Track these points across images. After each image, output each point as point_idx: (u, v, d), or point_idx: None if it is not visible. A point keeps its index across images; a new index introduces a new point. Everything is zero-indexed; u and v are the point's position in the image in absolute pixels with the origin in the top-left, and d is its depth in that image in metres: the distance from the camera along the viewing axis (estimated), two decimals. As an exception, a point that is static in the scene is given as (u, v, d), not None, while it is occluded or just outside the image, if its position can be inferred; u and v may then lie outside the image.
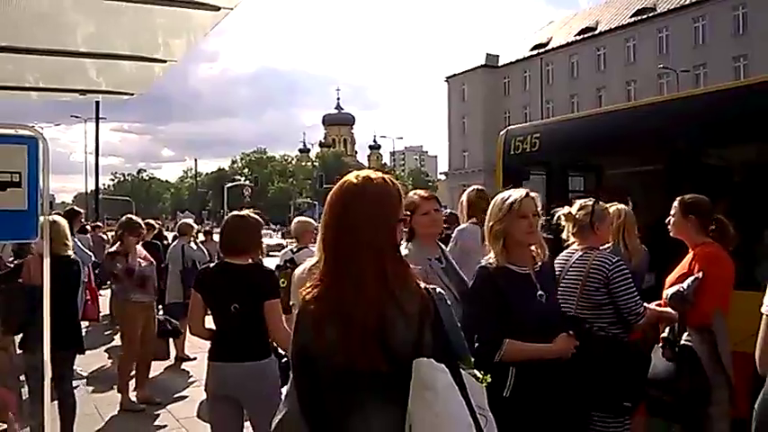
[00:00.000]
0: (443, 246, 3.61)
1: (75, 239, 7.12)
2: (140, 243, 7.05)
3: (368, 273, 1.75)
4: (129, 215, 7.53)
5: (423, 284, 1.83)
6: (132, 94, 4.92)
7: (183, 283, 8.38)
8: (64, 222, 5.13)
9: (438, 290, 1.87)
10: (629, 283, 3.50)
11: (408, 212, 3.09)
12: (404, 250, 3.18)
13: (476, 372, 1.83)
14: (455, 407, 1.66)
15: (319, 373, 1.76)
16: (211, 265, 3.85)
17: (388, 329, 1.72)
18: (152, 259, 6.96)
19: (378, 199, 1.83)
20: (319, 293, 1.80)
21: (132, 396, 6.61)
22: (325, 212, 1.87)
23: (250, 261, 3.72)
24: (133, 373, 6.76)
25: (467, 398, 1.70)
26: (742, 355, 3.71)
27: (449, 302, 1.88)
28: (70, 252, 5.06)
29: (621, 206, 4.40)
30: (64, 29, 3.62)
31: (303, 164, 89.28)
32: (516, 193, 2.94)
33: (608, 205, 4.17)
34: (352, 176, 1.88)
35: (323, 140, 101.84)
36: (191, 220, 10.62)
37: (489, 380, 1.85)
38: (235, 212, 3.94)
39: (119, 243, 6.84)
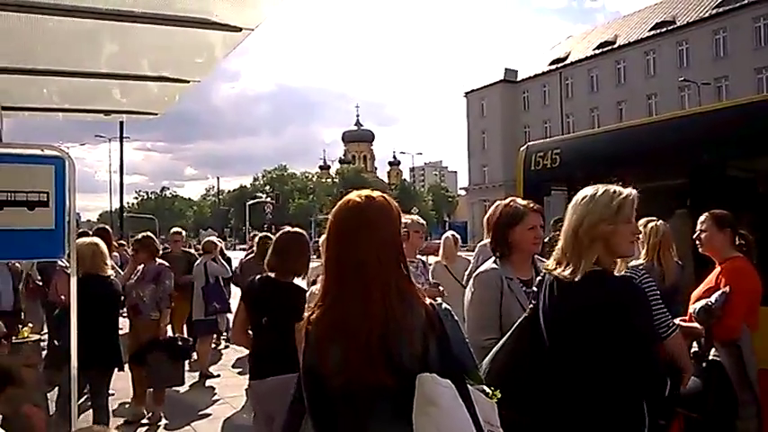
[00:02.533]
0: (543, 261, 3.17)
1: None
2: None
3: (373, 289, 1.76)
4: (143, 234, 7.40)
5: (428, 300, 1.84)
6: (156, 114, 5.00)
7: (206, 299, 8.43)
8: (101, 242, 5.21)
9: (444, 305, 1.86)
10: (655, 298, 3.44)
11: (509, 224, 3.07)
12: (484, 266, 3.16)
13: (485, 387, 1.82)
14: (460, 423, 1.65)
15: (328, 391, 1.77)
16: (257, 277, 3.91)
17: (393, 345, 1.72)
18: (145, 277, 6.70)
19: (382, 216, 1.86)
20: (324, 311, 1.82)
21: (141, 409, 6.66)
22: (329, 231, 1.88)
23: (294, 278, 3.84)
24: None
25: (473, 414, 1.69)
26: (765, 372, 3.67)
27: (455, 317, 1.88)
28: (110, 272, 5.13)
29: (660, 222, 4.31)
30: (88, 51, 3.70)
31: (323, 180, 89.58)
32: (620, 190, 2.39)
33: (644, 221, 4.12)
34: (353, 196, 1.91)
35: (343, 157, 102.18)
36: (214, 238, 10.70)
37: (499, 395, 1.84)
38: (287, 228, 4.10)
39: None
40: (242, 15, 3.05)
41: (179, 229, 9.88)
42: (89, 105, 4.92)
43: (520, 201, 3.22)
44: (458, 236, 7.25)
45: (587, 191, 2.40)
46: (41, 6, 2.87)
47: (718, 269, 3.83)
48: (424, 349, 1.74)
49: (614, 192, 2.35)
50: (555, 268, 2.32)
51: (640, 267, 3.89)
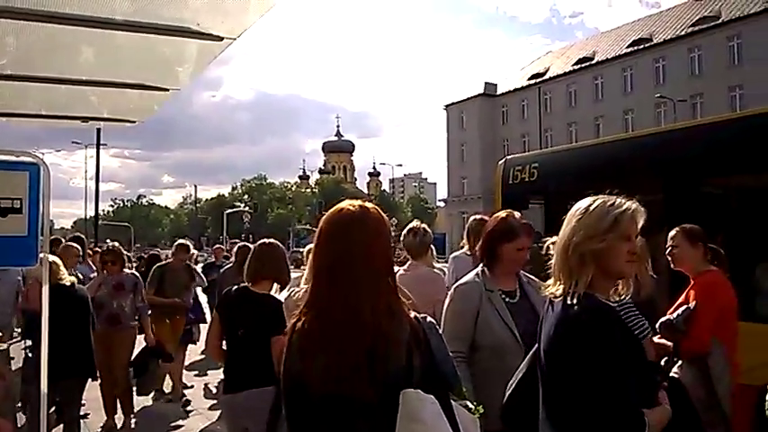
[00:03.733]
0: (529, 278, 3.22)
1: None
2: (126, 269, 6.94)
3: (363, 300, 1.73)
4: (109, 243, 7.60)
5: (413, 313, 1.82)
6: (134, 122, 4.96)
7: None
8: (53, 257, 5.15)
9: (429, 319, 1.85)
10: (629, 307, 3.46)
11: (501, 239, 3.08)
12: (466, 277, 3.19)
13: (467, 402, 1.81)
14: None
15: (309, 402, 1.74)
16: (233, 288, 3.89)
17: (377, 358, 1.70)
18: (123, 286, 6.64)
19: (376, 226, 1.84)
20: (310, 320, 1.78)
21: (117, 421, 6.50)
22: (318, 239, 1.85)
23: (273, 290, 3.84)
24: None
25: (456, 429, 1.68)
26: (746, 388, 3.65)
27: (440, 332, 1.87)
28: (72, 280, 5.08)
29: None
30: (67, 57, 3.66)
31: (303, 190, 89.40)
32: (620, 202, 2.13)
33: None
34: (346, 204, 1.87)
35: (322, 167, 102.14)
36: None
37: (482, 410, 1.83)
38: (263, 240, 4.14)
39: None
40: (224, 25, 3.04)
41: (186, 242, 8.64)
42: (67, 112, 4.85)
43: (517, 216, 3.20)
44: (432, 247, 7.24)
45: (583, 202, 2.14)
46: (20, 12, 2.84)
47: (692, 283, 3.86)
48: (408, 363, 1.72)
49: (611, 204, 2.08)
50: (549, 287, 2.13)
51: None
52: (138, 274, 6.97)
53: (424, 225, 4.75)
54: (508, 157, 8.18)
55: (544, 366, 2.07)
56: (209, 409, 7.30)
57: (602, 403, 1.85)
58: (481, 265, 3.20)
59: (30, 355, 4.90)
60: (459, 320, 3.06)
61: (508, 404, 2.39)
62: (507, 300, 3.06)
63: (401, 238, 4.65)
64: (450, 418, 1.68)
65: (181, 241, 8.71)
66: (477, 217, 5.42)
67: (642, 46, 44.71)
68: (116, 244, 7.18)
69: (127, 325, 6.55)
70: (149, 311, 6.99)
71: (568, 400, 1.94)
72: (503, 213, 3.25)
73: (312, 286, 1.84)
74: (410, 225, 4.66)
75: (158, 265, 8.28)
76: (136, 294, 6.63)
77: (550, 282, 2.13)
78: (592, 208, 2.09)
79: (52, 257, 5.18)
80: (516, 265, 3.15)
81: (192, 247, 8.94)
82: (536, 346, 2.22)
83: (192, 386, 8.28)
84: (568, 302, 1.97)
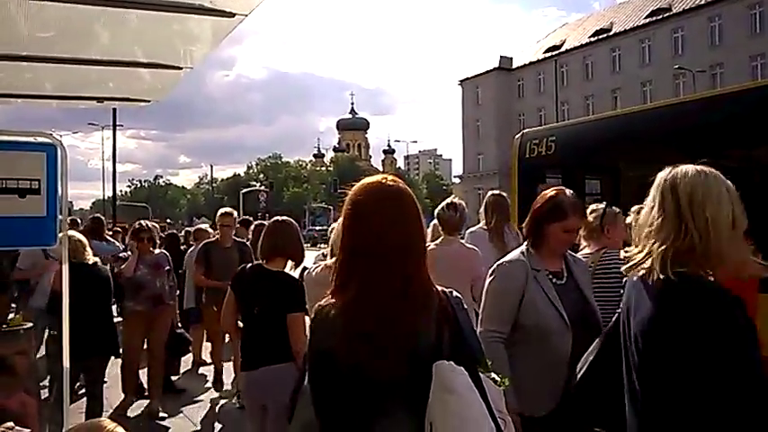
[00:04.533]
0: (575, 257, 3.20)
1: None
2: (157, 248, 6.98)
3: (393, 275, 1.73)
4: (140, 221, 7.22)
5: (440, 288, 1.82)
6: (149, 101, 4.96)
7: (197, 288, 8.42)
8: (78, 234, 5.23)
9: (455, 293, 1.85)
10: (617, 281, 3.43)
11: (549, 219, 2.92)
12: (509, 255, 3.07)
13: (494, 375, 1.82)
14: (476, 409, 1.65)
15: (338, 378, 1.73)
16: (248, 266, 3.92)
17: (408, 333, 1.71)
18: (161, 265, 6.64)
19: (409, 200, 1.83)
20: (341, 296, 1.77)
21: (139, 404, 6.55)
22: (348, 214, 1.82)
23: (288, 267, 3.86)
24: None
25: (486, 400, 1.69)
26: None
27: (465, 306, 1.87)
28: (95, 259, 5.14)
29: None
30: (81, 37, 3.66)
31: (317, 169, 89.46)
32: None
33: (636, 208, 4.12)
34: (378, 179, 1.86)
35: (337, 145, 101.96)
36: (206, 226, 10.64)
37: (507, 383, 1.84)
38: (276, 217, 4.14)
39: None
40: (235, 1, 3.01)
41: (230, 210, 7.33)
42: (82, 93, 4.87)
43: (568, 194, 2.99)
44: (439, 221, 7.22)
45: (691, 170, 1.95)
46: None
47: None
48: (438, 338, 1.73)
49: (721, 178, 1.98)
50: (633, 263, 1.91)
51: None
52: (168, 254, 7.00)
53: (461, 201, 4.78)
54: (525, 131, 8.11)
55: (641, 349, 1.85)
56: (227, 385, 7.38)
57: (740, 385, 1.69)
58: (525, 243, 3.05)
59: (53, 332, 4.99)
60: (502, 299, 2.93)
61: (581, 389, 2.30)
62: (554, 281, 2.92)
63: (435, 213, 4.71)
64: (480, 390, 1.69)
65: (227, 210, 7.32)
66: (495, 192, 5.43)
67: (660, 16, 43.88)
68: (148, 223, 7.11)
69: (168, 304, 6.70)
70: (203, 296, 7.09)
71: (684, 385, 1.75)
72: (552, 191, 3.03)
73: (342, 261, 1.82)
74: (448, 200, 4.69)
75: (205, 242, 7.37)
76: (169, 274, 6.75)
77: (633, 253, 1.93)
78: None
79: (78, 235, 5.24)
80: (563, 247, 3.02)
81: (209, 225, 8.55)
82: (610, 326, 2.15)
83: (210, 363, 8.40)
84: (672, 281, 1.77)
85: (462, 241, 4.81)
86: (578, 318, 2.81)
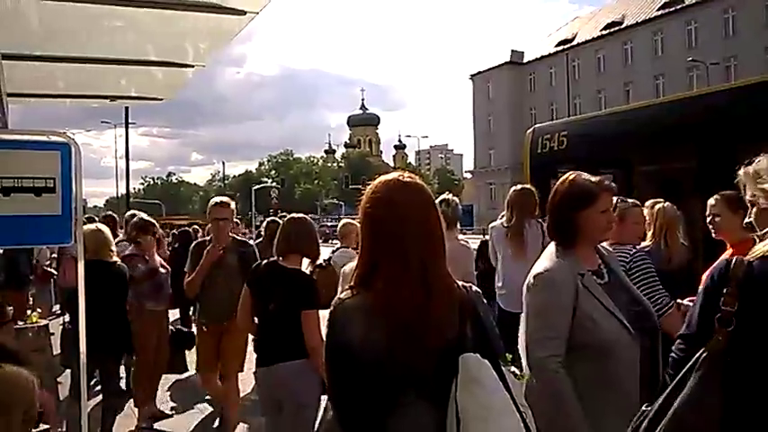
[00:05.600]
0: (606, 248, 2.74)
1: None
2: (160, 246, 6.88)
3: (417, 270, 1.74)
4: (135, 213, 6.82)
5: (460, 282, 1.84)
6: (161, 100, 5.00)
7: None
8: (107, 229, 5.20)
9: (474, 288, 1.86)
10: (650, 275, 3.40)
11: (577, 207, 2.51)
12: (544, 261, 2.54)
13: (514, 369, 1.83)
14: (503, 401, 1.66)
15: (358, 372, 1.73)
16: (263, 263, 3.93)
17: (431, 326, 1.72)
18: (167, 266, 6.44)
19: (429, 197, 1.85)
20: (364, 291, 1.78)
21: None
22: (367, 211, 1.82)
23: (304, 265, 3.90)
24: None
25: (510, 393, 1.70)
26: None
27: (484, 300, 1.88)
28: (115, 258, 5.14)
29: (667, 204, 4.28)
30: (93, 36, 3.69)
31: (329, 165, 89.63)
32: None
33: (651, 202, 4.09)
34: (395, 175, 1.87)
35: (348, 141, 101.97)
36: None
37: (526, 377, 1.85)
38: (293, 215, 4.13)
39: (134, 245, 6.09)
40: (246, -1, 3.03)
41: (226, 200, 5.41)
42: (95, 91, 4.92)
43: (586, 175, 2.59)
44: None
45: None
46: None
47: (729, 251, 3.78)
48: (460, 333, 1.75)
49: None
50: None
51: (646, 249, 3.88)
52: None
53: (454, 197, 4.74)
54: (536, 125, 8.07)
55: None
56: (242, 380, 7.37)
57: None
58: (554, 244, 2.58)
59: (70, 328, 5.03)
60: (553, 316, 2.38)
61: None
62: (598, 281, 2.45)
63: None
64: (503, 383, 1.70)
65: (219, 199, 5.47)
66: (518, 187, 5.29)
67: (673, 8, 43.45)
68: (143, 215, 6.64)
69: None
70: None
71: None
72: (569, 175, 2.63)
73: (364, 256, 1.83)
74: (442, 196, 4.63)
75: (196, 242, 6.51)
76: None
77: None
78: None
79: (106, 232, 5.21)
80: (604, 233, 2.59)
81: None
82: (700, 357, 1.68)
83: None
84: None
85: (460, 237, 4.78)
86: (634, 323, 2.38)
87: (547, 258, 2.55)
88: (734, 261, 1.68)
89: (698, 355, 1.66)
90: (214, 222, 5.20)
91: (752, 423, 1.60)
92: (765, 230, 1.71)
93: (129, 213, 6.88)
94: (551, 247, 2.59)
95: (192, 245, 5.65)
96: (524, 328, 2.49)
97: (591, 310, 2.36)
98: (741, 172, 1.81)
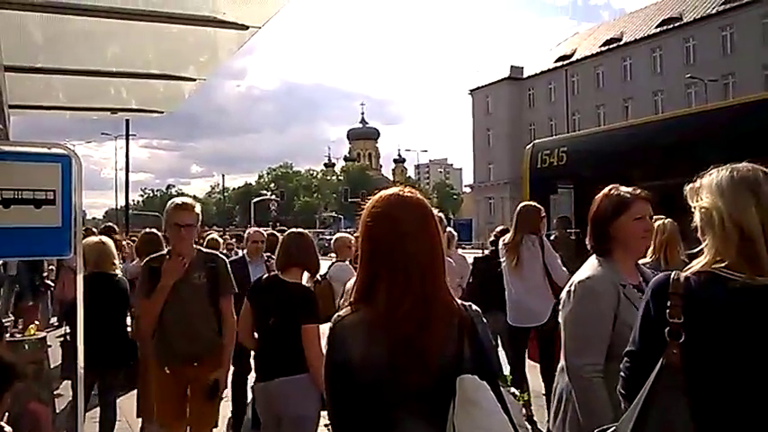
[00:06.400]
0: (643, 267, 2.74)
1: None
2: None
3: (418, 287, 1.72)
4: (149, 230, 6.84)
5: (459, 301, 1.82)
6: (162, 112, 5.02)
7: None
8: (110, 242, 5.19)
9: (474, 307, 1.84)
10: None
11: (612, 216, 2.56)
12: (585, 270, 2.56)
13: (513, 389, 1.81)
14: (501, 423, 1.64)
15: (357, 391, 1.72)
16: (264, 277, 3.93)
17: (430, 345, 1.70)
18: None
19: (429, 212, 1.83)
20: (362, 308, 1.77)
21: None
22: (367, 226, 1.81)
23: (304, 279, 3.89)
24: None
25: (508, 414, 1.68)
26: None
27: (483, 320, 1.85)
28: (118, 271, 5.12)
29: (667, 221, 4.29)
30: (95, 49, 3.70)
31: (328, 178, 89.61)
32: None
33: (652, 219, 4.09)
34: (396, 190, 1.85)
35: (347, 155, 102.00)
36: (216, 235, 10.66)
37: (526, 398, 1.84)
38: (293, 230, 4.14)
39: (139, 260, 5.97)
40: (249, 13, 3.04)
41: (190, 201, 4.31)
42: (96, 104, 4.93)
43: (624, 188, 2.62)
44: (454, 233, 7.24)
45: None
46: (48, 5, 2.87)
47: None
48: (458, 350, 1.73)
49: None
50: None
51: (646, 265, 3.87)
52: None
53: (440, 213, 4.79)
54: (536, 141, 8.10)
55: None
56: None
57: None
58: (594, 256, 2.62)
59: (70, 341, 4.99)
60: (592, 324, 2.42)
61: None
62: (640, 296, 2.33)
63: None
64: (501, 404, 1.68)
65: (180, 200, 4.33)
66: (524, 204, 5.35)
67: (672, 25, 43.74)
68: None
69: None
70: None
71: None
72: (606, 190, 2.67)
73: (364, 272, 1.81)
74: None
75: (150, 257, 4.31)
76: None
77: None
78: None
79: (108, 240, 5.18)
80: (641, 241, 2.60)
81: (220, 234, 6.43)
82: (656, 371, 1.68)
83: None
84: None
85: (458, 251, 4.80)
86: None
87: (588, 268, 2.58)
88: (672, 276, 1.77)
89: (657, 368, 1.66)
90: (174, 229, 4.01)
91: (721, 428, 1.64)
92: (699, 248, 1.81)
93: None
94: (592, 258, 2.62)
95: (143, 262, 4.44)
96: (563, 335, 2.51)
97: (632, 320, 2.26)
98: (687, 187, 1.89)
